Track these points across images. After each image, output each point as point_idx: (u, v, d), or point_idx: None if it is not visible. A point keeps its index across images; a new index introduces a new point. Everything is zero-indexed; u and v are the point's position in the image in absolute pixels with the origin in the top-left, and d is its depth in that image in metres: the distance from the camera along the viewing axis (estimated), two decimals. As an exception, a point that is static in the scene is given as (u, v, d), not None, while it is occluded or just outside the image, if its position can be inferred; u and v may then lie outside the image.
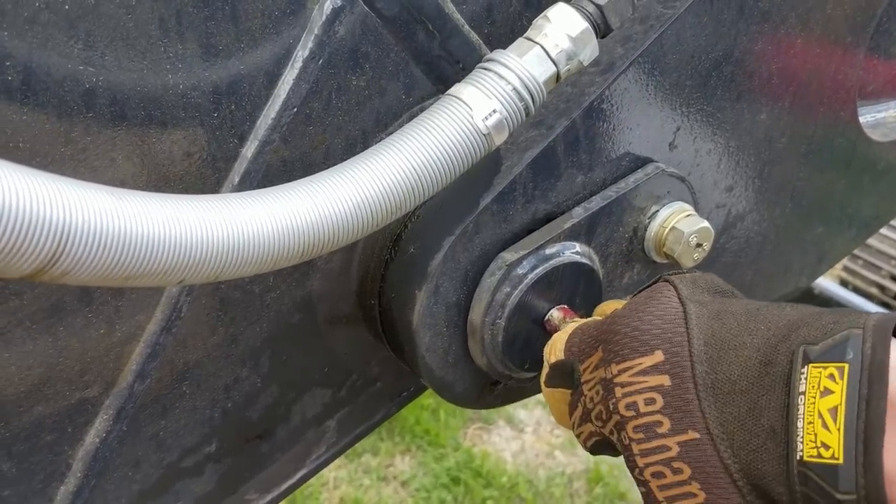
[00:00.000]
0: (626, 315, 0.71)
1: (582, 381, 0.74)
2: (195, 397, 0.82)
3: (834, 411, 0.57)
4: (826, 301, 4.43)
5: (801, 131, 1.05)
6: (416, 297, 0.81)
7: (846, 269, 5.18)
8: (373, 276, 0.85)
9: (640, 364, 0.67)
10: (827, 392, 0.58)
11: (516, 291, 0.82)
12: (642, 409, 0.67)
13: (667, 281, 0.72)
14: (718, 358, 0.65)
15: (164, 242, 0.52)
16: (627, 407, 0.67)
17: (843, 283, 5.12)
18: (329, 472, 3.68)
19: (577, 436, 0.76)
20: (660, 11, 0.84)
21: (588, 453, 0.84)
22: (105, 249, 0.49)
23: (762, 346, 0.64)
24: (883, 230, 4.99)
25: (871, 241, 4.97)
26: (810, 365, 0.60)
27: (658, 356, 0.67)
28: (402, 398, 1.01)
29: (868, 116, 1.18)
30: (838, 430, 0.57)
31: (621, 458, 0.71)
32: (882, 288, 5.00)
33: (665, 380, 0.66)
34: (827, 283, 4.63)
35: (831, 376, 0.58)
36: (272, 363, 0.86)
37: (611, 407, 0.69)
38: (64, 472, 0.78)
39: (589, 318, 0.81)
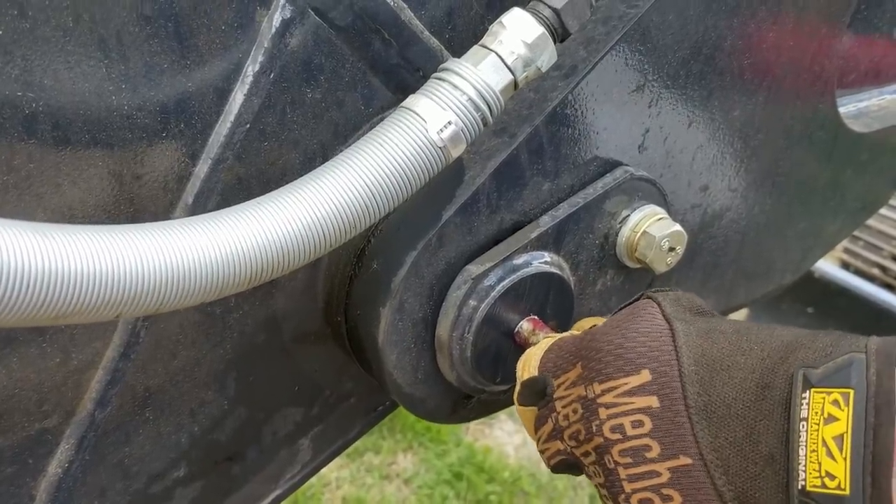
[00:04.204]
0: (608, 332, 0.67)
1: (555, 396, 0.71)
2: (159, 423, 0.80)
3: (840, 440, 0.55)
4: (826, 284, 4.41)
5: (777, 126, 1.02)
6: (381, 315, 0.78)
7: (847, 250, 5.15)
8: (338, 293, 0.83)
9: (626, 384, 0.64)
10: (831, 419, 0.56)
11: (483, 304, 0.80)
12: (629, 432, 0.63)
13: (649, 298, 0.69)
14: (711, 379, 0.62)
15: (93, 278, 0.50)
16: (613, 430, 0.64)
17: (845, 265, 5.09)
18: (331, 473, 3.68)
19: (542, 451, 0.73)
20: (623, 11, 0.82)
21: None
22: (28, 289, 0.47)
23: (757, 367, 0.61)
24: (883, 211, 4.96)
25: (872, 221, 4.93)
26: (812, 390, 0.57)
27: (645, 376, 0.63)
28: (377, 412, 0.99)
29: (849, 106, 1.16)
30: (844, 459, 0.54)
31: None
32: (884, 269, 4.97)
33: (653, 401, 0.63)
34: (828, 265, 4.60)
35: (835, 402, 0.56)
36: (239, 384, 0.84)
37: (593, 429, 0.66)
38: None
39: (566, 333, 0.78)
